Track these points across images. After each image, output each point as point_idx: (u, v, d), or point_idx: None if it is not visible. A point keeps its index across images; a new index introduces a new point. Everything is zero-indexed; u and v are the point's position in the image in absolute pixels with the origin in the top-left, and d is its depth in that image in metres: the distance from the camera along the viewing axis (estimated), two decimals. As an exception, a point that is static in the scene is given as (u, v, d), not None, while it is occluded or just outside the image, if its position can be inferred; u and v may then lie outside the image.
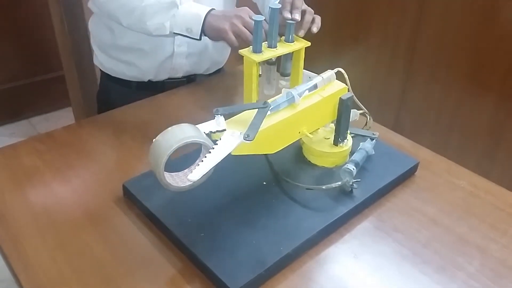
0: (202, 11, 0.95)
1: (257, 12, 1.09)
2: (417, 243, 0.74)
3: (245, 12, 0.93)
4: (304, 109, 0.77)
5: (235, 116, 0.74)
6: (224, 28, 0.91)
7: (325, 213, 0.75)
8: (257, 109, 0.72)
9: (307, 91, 0.78)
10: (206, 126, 0.70)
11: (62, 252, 0.70)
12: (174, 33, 0.98)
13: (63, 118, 2.30)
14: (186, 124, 0.68)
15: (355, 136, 0.88)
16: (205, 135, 0.68)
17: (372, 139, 0.88)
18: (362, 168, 0.82)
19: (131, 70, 1.15)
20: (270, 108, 0.73)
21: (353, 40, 1.93)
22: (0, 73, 2.21)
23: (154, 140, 0.68)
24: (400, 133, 1.01)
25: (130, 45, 1.11)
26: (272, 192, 0.78)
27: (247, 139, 0.67)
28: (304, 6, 0.94)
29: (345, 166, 0.77)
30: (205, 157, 0.66)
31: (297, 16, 0.89)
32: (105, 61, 1.19)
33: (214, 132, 0.69)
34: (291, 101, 0.76)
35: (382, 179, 0.82)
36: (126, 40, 1.11)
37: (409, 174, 0.86)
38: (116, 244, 0.72)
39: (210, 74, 1.25)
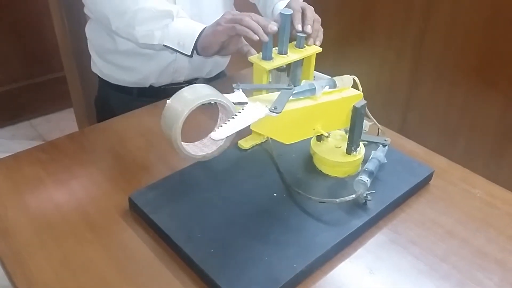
0: (199, 26, 0.92)
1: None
2: (434, 257, 0.71)
3: (240, 13, 0.88)
4: (323, 103, 0.76)
5: (254, 96, 0.74)
6: (226, 26, 0.86)
7: (338, 226, 0.72)
8: (280, 91, 0.72)
9: (327, 86, 0.76)
10: (227, 97, 0.69)
11: (66, 268, 0.68)
12: (164, 45, 0.94)
13: (64, 119, 2.27)
14: (201, 84, 0.67)
15: (366, 144, 0.85)
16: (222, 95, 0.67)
17: (384, 145, 0.85)
18: (374, 177, 0.79)
19: (132, 75, 1.13)
20: (294, 92, 0.72)
21: (358, 39, 1.90)
22: (1, 74, 2.18)
23: (167, 101, 0.67)
24: (407, 134, 0.98)
25: (133, 50, 1.07)
26: (284, 205, 0.75)
27: (274, 111, 0.66)
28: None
29: (359, 177, 0.75)
30: (229, 120, 0.65)
31: (309, 29, 0.86)
32: (104, 67, 1.16)
33: (235, 104, 0.68)
34: (312, 92, 0.75)
35: (397, 190, 0.79)
36: (129, 45, 1.07)
37: (424, 183, 0.84)
38: (122, 260, 0.69)
39: (211, 78, 1.22)
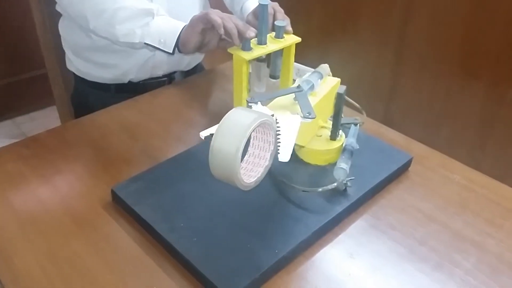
0: (180, 24, 0.92)
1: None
2: (413, 241, 0.73)
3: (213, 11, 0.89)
4: (322, 97, 0.77)
5: (269, 104, 0.73)
6: (199, 15, 0.88)
7: (320, 213, 0.73)
8: (293, 93, 0.72)
9: (319, 80, 0.77)
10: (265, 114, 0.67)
11: (51, 261, 0.68)
12: (145, 43, 0.94)
13: (48, 117, 2.25)
14: (237, 108, 0.62)
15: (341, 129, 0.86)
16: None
17: (356, 124, 0.85)
18: (355, 165, 0.80)
19: (110, 72, 1.12)
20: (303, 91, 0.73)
21: (341, 31, 1.92)
22: (-18, 73, 2.16)
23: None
24: (391, 125, 1.00)
25: (111, 46, 1.07)
26: (266, 194, 0.76)
27: (309, 116, 0.67)
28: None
29: (338, 165, 0.76)
30: (278, 138, 0.64)
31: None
32: (80, 65, 1.15)
33: None
34: (311, 88, 0.76)
35: (376, 176, 0.81)
36: (105, 41, 1.05)
37: (403, 169, 0.85)
38: (107, 252, 0.70)
39: (189, 71, 1.23)
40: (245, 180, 0.62)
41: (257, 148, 0.67)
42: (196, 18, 0.89)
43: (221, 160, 0.60)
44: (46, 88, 2.00)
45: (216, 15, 0.85)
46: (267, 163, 0.67)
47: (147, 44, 0.95)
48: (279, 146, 0.65)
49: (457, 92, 1.65)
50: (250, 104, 0.68)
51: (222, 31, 0.84)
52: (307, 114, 0.67)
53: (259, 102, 0.68)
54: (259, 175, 0.66)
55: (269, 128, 0.64)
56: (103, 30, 0.96)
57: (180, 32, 0.92)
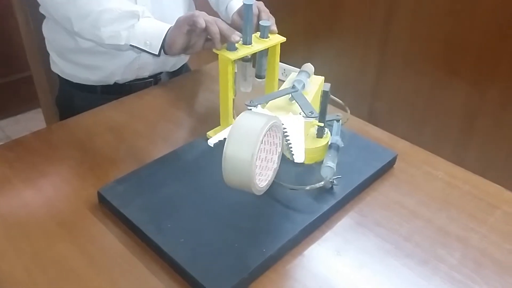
0: (165, 26, 0.92)
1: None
2: (399, 237, 0.74)
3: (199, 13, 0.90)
4: (313, 96, 0.78)
5: (266, 106, 0.74)
6: (184, 16, 0.88)
7: (306, 211, 0.74)
8: (289, 94, 0.74)
9: (307, 79, 0.78)
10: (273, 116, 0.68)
11: (37, 264, 0.68)
12: (131, 45, 0.94)
13: (33, 120, 2.23)
14: (245, 113, 0.61)
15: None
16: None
17: (337, 121, 0.86)
18: (341, 163, 0.81)
19: (96, 74, 1.11)
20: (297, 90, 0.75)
21: (326, 31, 1.93)
22: (-35, 76, 2.13)
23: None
24: (375, 123, 1.01)
25: (96, 48, 1.06)
26: (253, 192, 0.77)
27: (312, 115, 0.67)
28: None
29: (325, 163, 0.76)
30: (288, 139, 0.64)
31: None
32: (65, 67, 1.14)
33: None
34: (302, 88, 0.78)
35: (362, 174, 0.81)
36: (90, 43, 1.05)
37: (388, 167, 0.86)
38: (93, 254, 0.69)
39: (175, 72, 1.22)
40: (261, 186, 0.62)
41: (263, 152, 0.67)
42: (181, 19, 0.89)
43: (235, 167, 0.59)
44: (31, 90, 1.98)
45: (201, 18, 0.85)
46: (275, 165, 0.66)
47: (133, 46, 0.94)
48: (290, 148, 0.65)
49: (440, 89, 1.67)
50: (249, 107, 0.67)
51: (202, 26, 0.84)
52: (310, 114, 0.68)
53: (258, 105, 0.68)
54: (269, 178, 0.66)
55: (276, 130, 0.64)
56: (88, 33, 0.96)
57: (166, 34, 0.92)
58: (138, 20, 0.93)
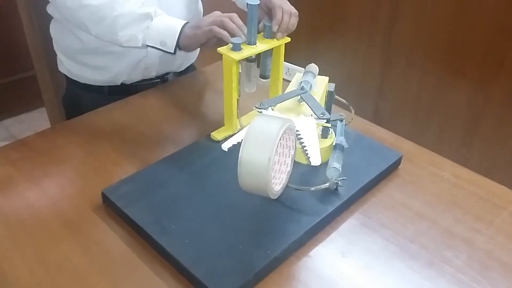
0: (178, 24, 0.92)
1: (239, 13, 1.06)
2: (404, 239, 0.73)
3: (220, 14, 0.90)
4: (320, 96, 0.78)
5: (275, 108, 0.74)
6: (205, 29, 0.88)
7: (311, 212, 0.73)
8: (298, 95, 0.74)
9: (314, 79, 0.78)
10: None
11: (40, 265, 0.68)
12: (147, 45, 0.95)
13: (37, 119, 2.24)
14: (259, 116, 0.61)
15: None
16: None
17: (341, 120, 0.85)
18: (346, 164, 0.80)
19: (103, 74, 1.11)
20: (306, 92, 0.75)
21: (330, 30, 1.92)
22: (-31, 75, 2.14)
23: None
24: (380, 123, 1.00)
25: (103, 48, 1.06)
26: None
27: (324, 117, 0.66)
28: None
29: (331, 164, 0.76)
30: (302, 142, 0.63)
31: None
32: (72, 67, 1.14)
33: None
34: (310, 88, 0.78)
35: (367, 175, 0.81)
36: (97, 43, 1.05)
37: (393, 167, 0.86)
38: (97, 255, 0.69)
39: (181, 72, 1.22)
40: (276, 189, 0.62)
41: (278, 155, 0.66)
42: (201, 33, 0.89)
43: (251, 171, 0.59)
44: (35, 90, 1.98)
45: (222, 27, 0.86)
46: (288, 168, 0.66)
47: (149, 46, 0.95)
48: (306, 151, 0.64)
49: (445, 89, 1.67)
50: (259, 110, 0.67)
51: (230, 41, 0.84)
52: (321, 115, 0.67)
53: (269, 108, 0.68)
54: (283, 181, 0.65)
55: (290, 133, 0.63)
56: (106, 37, 0.97)
57: (181, 32, 0.92)
58: (152, 20, 0.93)
